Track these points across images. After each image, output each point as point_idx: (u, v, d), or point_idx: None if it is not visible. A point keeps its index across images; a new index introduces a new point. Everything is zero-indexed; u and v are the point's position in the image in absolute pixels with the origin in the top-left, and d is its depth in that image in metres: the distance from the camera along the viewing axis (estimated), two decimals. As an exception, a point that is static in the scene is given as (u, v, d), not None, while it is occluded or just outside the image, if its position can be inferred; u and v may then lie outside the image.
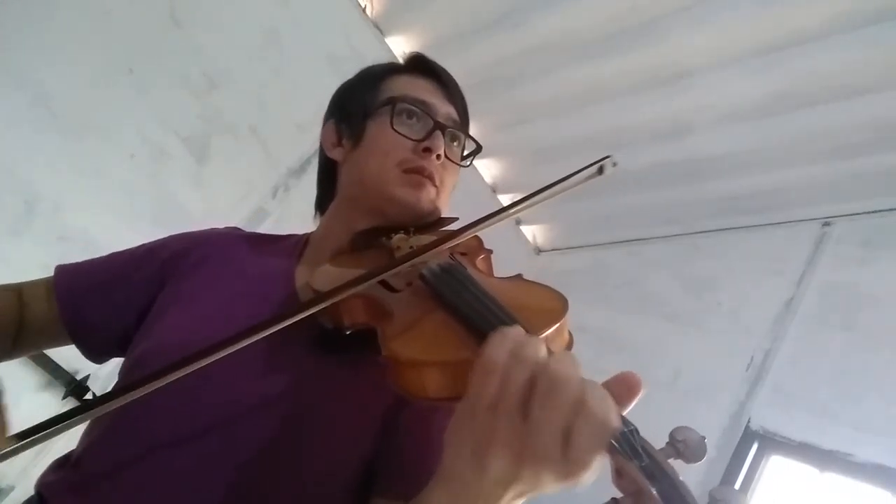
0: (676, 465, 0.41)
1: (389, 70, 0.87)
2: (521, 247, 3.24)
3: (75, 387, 1.86)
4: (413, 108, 0.80)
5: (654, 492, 0.38)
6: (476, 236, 0.76)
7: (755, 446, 2.03)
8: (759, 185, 2.39)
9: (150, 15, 2.04)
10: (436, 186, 0.79)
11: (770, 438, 2.01)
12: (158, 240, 0.86)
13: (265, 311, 0.71)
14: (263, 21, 2.28)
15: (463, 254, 0.70)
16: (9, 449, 0.45)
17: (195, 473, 0.61)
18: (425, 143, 0.78)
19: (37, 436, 0.46)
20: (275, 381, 0.66)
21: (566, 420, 0.40)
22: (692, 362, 2.32)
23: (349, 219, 0.81)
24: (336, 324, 0.63)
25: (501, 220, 0.63)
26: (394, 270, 0.60)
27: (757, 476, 2.00)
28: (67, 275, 0.82)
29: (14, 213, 1.82)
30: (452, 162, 0.83)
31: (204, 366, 0.50)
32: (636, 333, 2.56)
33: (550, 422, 0.40)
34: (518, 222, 3.22)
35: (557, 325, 0.50)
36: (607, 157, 0.67)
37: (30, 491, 0.68)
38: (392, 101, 0.80)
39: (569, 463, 0.40)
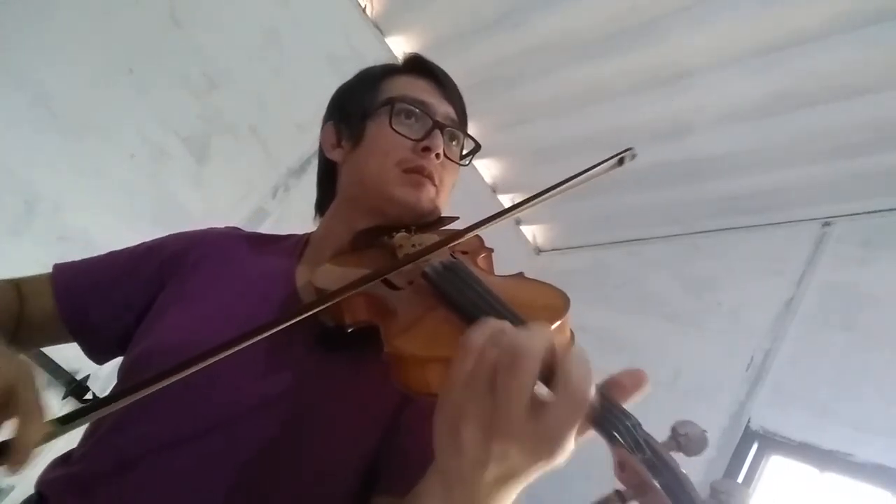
0: (678, 458, 0.41)
1: (388, 71, 0.87)
2: (521, 247, 3.24)
3: (75, 387, 1.86)
4: (412, 107, 0.80)
5: (657, 484, 0.38)
6: (477, 236, 0.76)
7: (755, 446, 2.03)
8: (759, 185, 2.39)
9: (150, 15, 2.04)
10: (435, 185, 0.80)
11: (770, 438, 2.01)
12: (158, 239, 0.86)
13: (265, 311, 0.71)
14: (263, 21, 2.28)
15: (464, 252, 0.70)
16: (50, 432, 0.46)
17: (196, 473, 0.61)
18: (424, 143, 0.78)
19: (77, 420, 0.47)
20: (276, 381, 0.66)
21: (528, 392, 0.40)
22: (692, 362, 2.32)
23: (349, 219, 0.81)
24: (338, 322, 0.63)
25: (514, 215, 0.63)
26: (399, 269, 0.61)
27: (757, 476, 2.00)
28: (66, 273, 0.82)
29: (14, 213, 1.82)
30: (452, 161, 0.84)
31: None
32: (636, 333, 2.56)
33: (512, 393, 0.40)
34: (518, 222, 3.22)
35: (559, 322, 0.50)
36: (628, 149, 0.67)
37: (29, 490, 0.68)
38: (391, 102, 0.80)
39: (539, 437, 0.40)
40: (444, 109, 0.83)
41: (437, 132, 0.79)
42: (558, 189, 0.65)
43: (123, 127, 2.01)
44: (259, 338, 0.52)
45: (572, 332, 0.54)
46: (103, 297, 0.80)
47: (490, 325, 0.44)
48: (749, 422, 2.06)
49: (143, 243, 0.86)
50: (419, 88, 0.83)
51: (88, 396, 1.86)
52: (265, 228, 2.20)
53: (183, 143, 2.13)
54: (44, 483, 0.67)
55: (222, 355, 0.51)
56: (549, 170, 2.30)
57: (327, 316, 0.64)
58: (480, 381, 0.41)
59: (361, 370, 0.67)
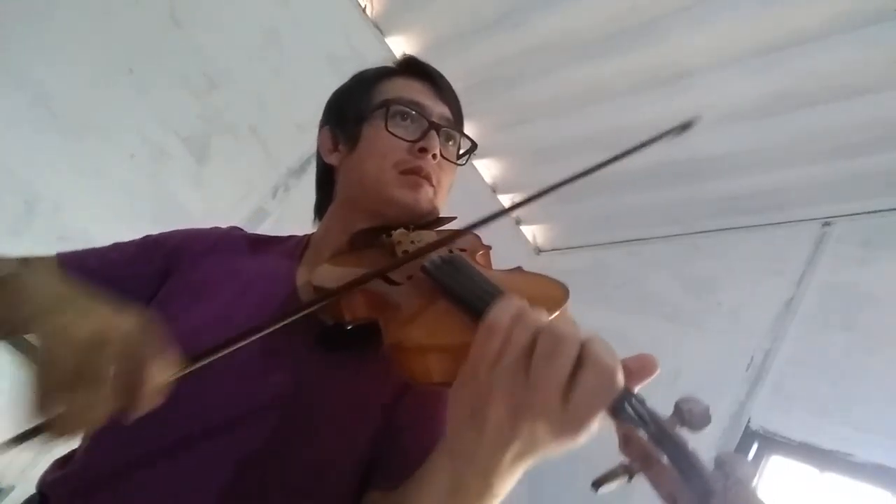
0: (681, 433, 0.42)
1: (382, 73, 0.88)
2: (521, 247, 3.24)
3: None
4: (407, 109, 0.81)
5: (664, 457, 0.39)
6: (475, 234, 0.77)
7: (755, 446, 2.03)
8: (759, 185, 2.39)
9: (150, 15, 2.04)
10: (433, 186, 0.80)
11: (770, 438, 2.01)
12: (164, 232, 0.86)
13: (265, 312, 0.71)
14: (263, 21, 2.28)
15: (462, 250, 0.71)
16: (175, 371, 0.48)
17: (196, 474, 0.61)
18: (420, 144, 0.79)
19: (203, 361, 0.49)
20: (275, 381, 0.66)
21: (566, 374, 0.41)
22: (692, 362, 2.32)
23: (348, 220, 0.81)
24: (337, 319, 0.63)
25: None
26: (399, 265, 0.61)
27: (757, 476, 2.00)
28: (74, 260, 0.80)
29: (14, 213, 1.82)
30: (448, 161, 0.84)
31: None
32: (636, 333, 2.55)
33: (551, 376, 0.41)
34: (518, 222, 3.23)
35: (559, 311, 0.51)
36: (692, 119, 0.71)
37: (30, 491, 0.68)
38: (386, 104, 0.81)
39: (568, 417, 0.41)
40: (439, 110, 0.83)
41: (433, 133, 0.80)
42: (625, 154, 0.66)
43: (123, 127, 2.01)
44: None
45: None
46: (110, 285, 0.78)
47: (513, 305, 0.45)
48: (749, 422, 2.06)
49: (149, 236, 0.85)
50: (414, 90, 0.83)
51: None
52: (265, 228, 2.21)
53: (183, 143, 2.13)
54: (45, 484, 0.67)
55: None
56: (549, 170, 2.30)
57: (326, 315, 0.64)
58: (513, 362, 0.43)
59: (361, 369, 0.67)
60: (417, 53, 0.90)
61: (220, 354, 0.51)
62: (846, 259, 2.20)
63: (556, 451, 0.45)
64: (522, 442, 0.44)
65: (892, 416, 1.81)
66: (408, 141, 0.79)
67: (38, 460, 1.73)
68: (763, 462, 2.01)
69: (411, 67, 0.88)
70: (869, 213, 2.23)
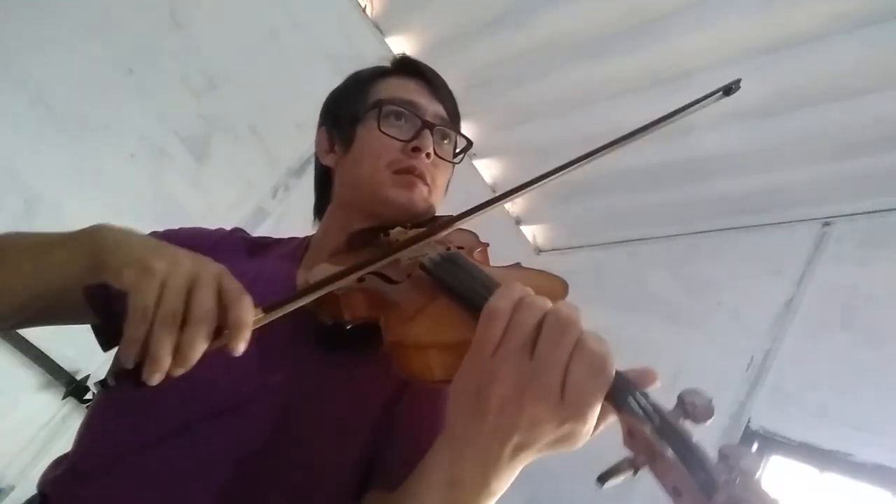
0: (685, 425, 0.42)
1: (377, 74, 0.88)
2: (521, 247, 3.24)
3: (75, 387, 1.86)
4: (400, 109, 0.81)
5: (669, 451, 0.39)
6: (471, 232, 0.77)
7: (755, 446, 2.03)
8: (759, 185, 2.39)
9: (150, 15, 2.04)
10: (428, 185, 0.80)
11: (770, 438, 2.01)
12: (170, 230, 0.86)
13: None
14: (263, 21, 2.28)
15: (460, 248, 0.71)
16: (259, 317, 0.51)
17: (193, 471, 0.61)
18: (414, 143, 0.79)
19: (279, 308, 0.52)
20: (275, 380, 0.66)
21: (568, 360, 0.42)
22: (692, 362, 2.32)
23: (346, 221, 0.82)
24: (336, 319, 0.63)
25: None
26: (392, 258, 0.62)
27: (761, 469, 2.00)
28: None
29: (14, 213, 1.82)
30: (443, 160, 0.84)
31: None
32: (636, 333, 2.55)
33: (556, 360, 0.42)
34: (518, 222, 3.22)
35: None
36: (738, 80, 0.74)
37: (29, 491, 0.68)
38: (379, 104, 0.81)
39: (566, 406, 0.42)
40: (433, 108, 0.83)
41: (427, 132, 0.80)
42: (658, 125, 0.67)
43: (123, 127, 2.01)
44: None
45: None
46: None
47: (514, 291, 0.45)
48: (749, 422, 2.06)
49: (155, 232, 0.85)
50: (408, 89, 0.83)
51: (88, 396, 1.86)
52: (265, 228, 2.21)
53: (183, 143, 2.13)
54: (45, 483, 0.67)
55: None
56: (549, 170, 2.28)
57: (326, 314, 0.64)
58: (518, 346, 0.43)
59: (361, 369, 0.67)
60: (417, 53, 0.90)
61: (293, 305, 0.54)
62: (846, 259, 2.20)
63: (555, 448, 0.45)
64: (522, 433, 0.44)
65: (892, 416, 1.81)
66: (401, 140, 0.79)
67: (37, 460, 1.73)
68: (763, 462, 2.01)
69: (405, 67, 0.88)
70: (869, 213, 2.23)
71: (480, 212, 0.63)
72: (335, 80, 0.93)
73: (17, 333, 1.73)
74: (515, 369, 0.43)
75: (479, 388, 0.44)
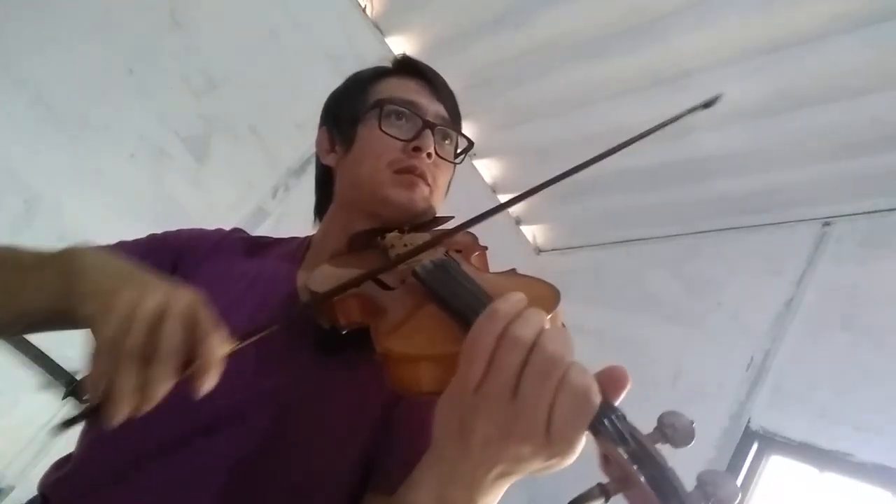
0: (664, 449, 0.41)
1: (377, 74, 0.87)
2: (521, 247, 3.24)
3: (75, 387, 1.86)
4: (401, 108, 0.80)
5: (642, 477, 0.38)
6: (471, 234, 0.76)
7: (755, 446, 2.03)
8: (759, 185, 2.39)
9: (150, 15, 2.04)
10: (428, 185, 0.80)
11: (770, 438, 2.01)
12: (170, 231, 0.86)
13: (265, 315, 0.71)
14: (263, 21, 2.28)
15: (458, 251, 0.71)
16: (232, 347, 0.49)
17: (192, 478, 0.61)
18: (415, 143, 0.79)
19: (251, 339, 0.50)
20: (272, 384, 0.66)
21: (552, 398, 0.40)
22: (692, 362, 2.32)
23: (347, 222, 0.81)
24: (333, 324, 0.63)
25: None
26: (387, 269, 0.61)
27: (757, 476, 2.00)
28: None
29: (14, 213, 1.82)
30: (444, 160, 0.84)
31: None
32: (636, 333, 2.55)
33: (540, 401, 0.40)
34: (518, 222, 3.22)
35: (549, 315, 0.50)
36: (718, 95, 0.74)
37: (30, 491, 0.68)
38: (379, 104, 0.80)
39: (551, 440, 0.41)
40: (434, 108, 0.83)
41: (428, 132, 0.79)
42: (640, 137, 0.67)
43: (123, 127, 2.01)
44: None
45: (564, 326, 0.55)
46: None
47: (497, 323, 0.43)
48: (749, 422, 2.06)
49: (155, 235, 0.85)
50: (409, 89, 0.83)
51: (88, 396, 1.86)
52: (265, 228, 2.21)
53: (183, 143, 2.13)
54: (46, 486, 0.67)
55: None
56: (549, 170, 2.28)
57: (323, 318, 0.64)
58: (500, 388, 0.41)
59: (359, 372, 0.67)
60: (417, 53, 0.90)
61: (265, 333, 0.52)
62: (846, 259, 2.20)
63: (543, 473, 0.44)
64: (507, 464, 0.43)
65: (892, 416, 1.81)
66: (402, 140, 0.79)
67: (37, 461, 1.73)
68: (763, 462, 2.01)
69: (406, 66, 0.87)
70: (869, 213, 2.23)
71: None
72: (335, 81, 0.93)
73: (17, 333, 1.73)
74: (498, 409, 0.41)
75: (462, 420, 0.43)
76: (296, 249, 0.86)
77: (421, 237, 0.74)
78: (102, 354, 0.44)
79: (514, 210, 3.17)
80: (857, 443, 1.83)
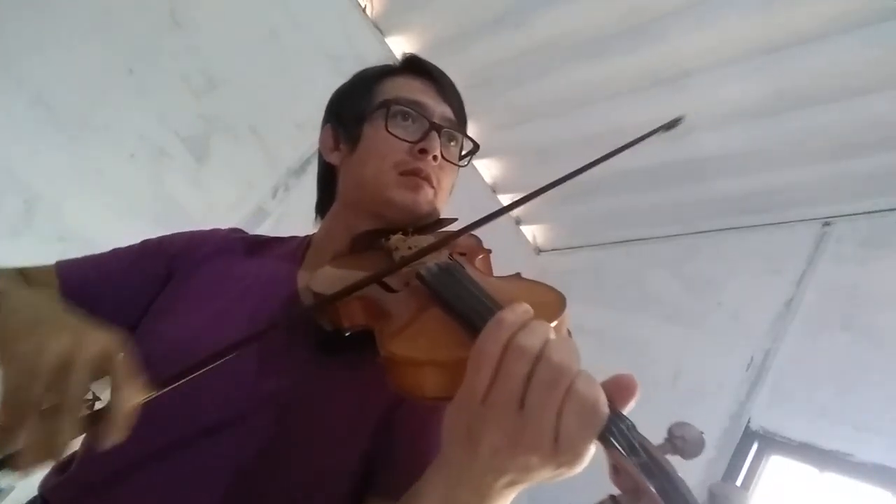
0: (674, 460, 0.41)
1: (383, 72, 0.87)
2: (521, 247, 3.24)
3: None
4: (408, 109, 0.79)
5: (652, 488, 0.37)
6: (475, 237, 0.76)
7: (755, 446, 2.03)
8: (759, 185, 2.39)
9: (150, 15, 2.04)
10: (433, 187, 0.79)
11: (770, 438, 2.01)
12: (165, 236, 0.85)
13: (266, 315, 0.71)
14: (263, 21, 2.28)
15: (462, 254, 0.70)
16: (145, 396, 0.46)
17: (192, 480, 0.61)
18: (421, 145, 0.78)
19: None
20: (274, 385, 0.66)
21: (560, 409, 0.40)
22: (692, 362, 2.32)
23: (349, 222, 0.81)
24: (336, 326, 0.63)
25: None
26: (392, 272, 0.60)
27: (757, 476, 2.00)
28: (72, 268, 0.80)
29: (14, 213, 1.81)
30: (449, 162, 0.83)
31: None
32: (636, 333, 2.55)
33: (547, 412, 0.40)
34: (518, 222, 3.22)
35: (555, 322, 0.49)
36: (680, 117, 0.75)
37: (30, 491, 0.68)
38: (386, 104, 0.80)
39: (559, 451, 0.40)
40: (440, 110, 0.82)
41: (434, 134, 0.79)
42: (613, 154, 0.67)
43: (123, 127, 2.01)
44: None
45: (569, 332, 0.54)
46: (110, 292, 0.78)
47: (504, 331, 0.43)
48: (749, 422, 2.06)
49: (149, 240, 0.85)
50: (415, 89, 0.82)
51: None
52: (265, 228, 2.21)
53: (183, 143, 2.13)
54: (46, 488, 0.67)
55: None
56: (549, 170, 2.27)
57: (326, 320, 0.64)
58: (506, 398, 0.41)
59: (361, 373, 0.66)
60: (417, 53, 0.89)
61: (215, 363, 0.50)
62: (846, 259, 2.20)
63: (552, 479, 0.44)
64: (515, 473, 0.43)
65: (892, 416, 1.81)
66: (408, 142, 0.78)
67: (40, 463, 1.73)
68: (763, 462, 2.01)
69: (413, 66, 0.86)
70: (869, 213, 2.23)
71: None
72: (335, 81, 0.92)
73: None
74: (505, 419, 0.41)
75: (470, 428, 0.43)
76: (295, 249, 0.85)
77: (425, 239, 0.74)
78: (7, 406, 0.42)
79: (514, 210, 3.17)
80: (857, 443, 1.83)
